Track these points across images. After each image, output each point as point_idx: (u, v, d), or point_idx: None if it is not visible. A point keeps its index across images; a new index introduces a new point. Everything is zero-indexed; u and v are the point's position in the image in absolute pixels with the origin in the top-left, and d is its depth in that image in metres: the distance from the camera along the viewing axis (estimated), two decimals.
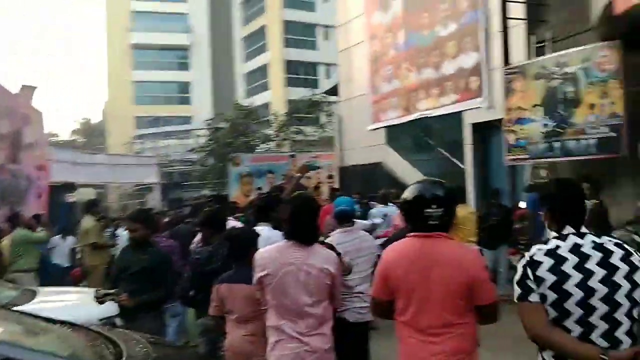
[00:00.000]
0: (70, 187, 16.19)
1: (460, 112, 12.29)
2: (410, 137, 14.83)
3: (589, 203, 6.23)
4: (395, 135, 15.04)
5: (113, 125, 41.85)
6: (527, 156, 9.16)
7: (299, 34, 36.61)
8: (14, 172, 10.43)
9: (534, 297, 2.21)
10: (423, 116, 13.53)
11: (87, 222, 8.59)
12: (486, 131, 11.76)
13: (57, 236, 9.59)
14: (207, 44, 44.10)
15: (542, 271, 2.20)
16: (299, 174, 6.68)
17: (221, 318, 3.63)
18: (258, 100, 33.04)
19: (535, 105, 8.84)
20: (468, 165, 12.18)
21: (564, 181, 2.53)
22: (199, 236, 4.65)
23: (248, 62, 39.73)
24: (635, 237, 6.25)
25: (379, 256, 4.44)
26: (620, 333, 2.15)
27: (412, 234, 2.55)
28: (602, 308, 2.14)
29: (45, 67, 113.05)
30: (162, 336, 4.22)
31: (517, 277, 2.30)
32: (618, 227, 6.71)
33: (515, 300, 2.28)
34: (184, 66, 44.28)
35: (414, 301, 2.47)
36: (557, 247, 2.24)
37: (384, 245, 4.52)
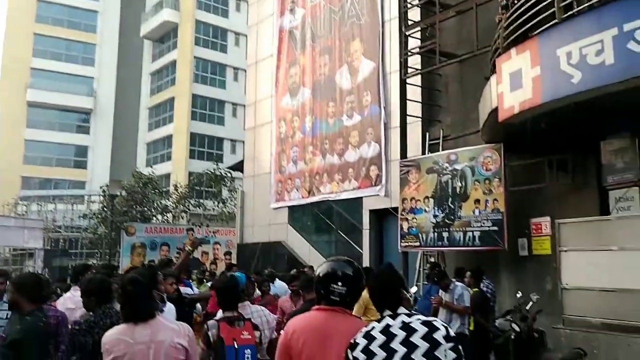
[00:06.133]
0: None
1: (359, 197, 12.89)
2: (312, 218, 15.17)
3: (469, 291, 6.70)
4: (298, 215, 15.33)
5: None
6: (418, 244, 9.74)
7: (207, 108, 36.97)
8: None
9: None
10: (325, 199, 14.03)
11: None
12: (383, 217, 12.34)
13: None
14: (111, 110, 43.16)
15: (357, 352, 2.42)
16: (190, 248, 6.47)
17: None
18: (159, 170, 32.35)
19: (427, 197, 9.52)
20: (365, 249, 12.61)
21: (381, 272, 2.75)
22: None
23: (152, 132, 39.19)
24: (514, 325, 6.78)
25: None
26: None
27: (316, 306, 2.70)
28: None
29: None
30: None
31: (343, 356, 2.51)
32: (499, 317, 7.25)
33: None
34: (83, 129, 42.77)
35: None
36: (373, 328, 2.48)
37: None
